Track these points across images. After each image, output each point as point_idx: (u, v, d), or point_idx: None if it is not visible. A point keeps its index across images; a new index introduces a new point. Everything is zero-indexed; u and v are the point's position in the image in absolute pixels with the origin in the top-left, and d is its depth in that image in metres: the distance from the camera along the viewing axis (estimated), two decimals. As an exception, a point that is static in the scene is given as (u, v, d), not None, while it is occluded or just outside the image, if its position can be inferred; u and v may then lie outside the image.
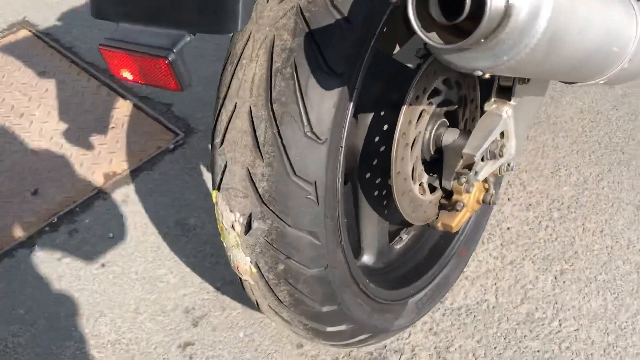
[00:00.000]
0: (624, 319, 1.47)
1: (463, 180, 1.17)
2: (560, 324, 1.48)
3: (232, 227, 1.01)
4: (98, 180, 1.93)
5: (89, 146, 2.05)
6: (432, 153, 1.24)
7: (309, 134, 0.92)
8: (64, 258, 1.71)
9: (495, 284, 1.57)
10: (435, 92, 1.20)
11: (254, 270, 1.03)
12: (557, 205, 1.75)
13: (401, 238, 1.45)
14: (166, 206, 1.83)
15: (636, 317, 1.47)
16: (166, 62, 0.82)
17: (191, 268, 1.66)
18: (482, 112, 1.21)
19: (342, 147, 0.97)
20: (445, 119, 1.24)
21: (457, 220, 1.30)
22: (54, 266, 1.68)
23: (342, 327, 1.14)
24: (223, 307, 1.56)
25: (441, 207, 1.31)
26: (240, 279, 1.10)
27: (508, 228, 1.70)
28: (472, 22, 0.64)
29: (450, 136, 1.22)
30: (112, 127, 2.12)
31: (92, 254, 1.71)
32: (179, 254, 1.70)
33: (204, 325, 1.53)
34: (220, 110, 0.98)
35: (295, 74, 0.90)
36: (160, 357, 1.47)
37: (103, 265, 1.68)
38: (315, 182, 0.95)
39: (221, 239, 1.07)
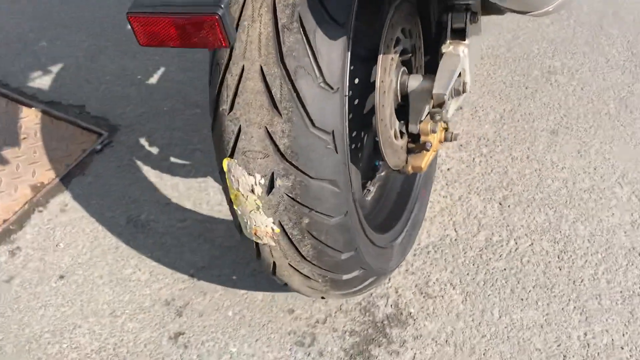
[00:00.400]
0: (566, 227, 1.66)
1: (437, 118, 1.26)
2: (516, 243, 1.63)
3: (252, 190, 1.02)
4: (25, 194, 1.80)
5: (3, 162, 1.90)
6: (400, 100, 1.32)
7: (322, 84, 0.95)
8: (13, 279, 1.59)
9: (451, 219, 1.70)
10: (397, 42, 1.27)
11: (277, 229, 1.05)
12: (484, 142, 1.91)
13: (369, 190, 1.52)
14: (111, 207, 1.75)
15: (575, 224, 1.67)
16: (217, 17, 0.80)
17: (158, 261, 1.62)
18: (439, 55, 1.31)
19: (346, 95, 1.01)
20: (404, 67, 1.32)
21: (426, 161, 1.40)
22: (5, 289, 1.56)
23: (356, 273, 1.19)
24: (203, 292, 1.55)
25: (409, 151, 1.40)
26: (256, 244, 1.11)
27: (448, 169, 1.84)
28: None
29: (414, 82, 1.30)
30: (24, 138, 1.98)
31: (45, 269, 1.61)
32: (140, 250, 1.64)
33: (189, 313, 1.50)
34: (223, 76, 0.98)
35: (302, 28, 0.93)
36: (153, 353, 1.43)
37: (62, 277, 1.59)
38: (332, 132, 0.98)
39: (235, 207, 1.07)
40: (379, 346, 1.43)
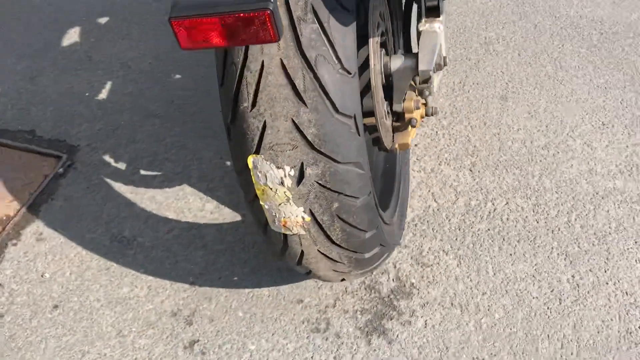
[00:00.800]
0: (534, 183, 1.78)
1: (427, 93, 1.32)
2: (493, 204, 1.73)
3: (281, 183, 1.03)
4: (-8, 229, 1.71)
5: (-43, 199, 1.79)
6: (383, 81, 1.37)
7: (341, 71, 0.98)
8: (4, 317, 1.51)
9: (429, 191, 1.77)
10: (377, 25, 1.32)
11: (307, 218, 1.07)
12: (442, 115, 2.01)
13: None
14: (90, 228, 1.70)
15: (541, 179, 1.79)
16: (269, 12, 0.81)
17: (153, 275, 1.59)
18: (417, 34, 1.37)
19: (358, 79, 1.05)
20: (383, 49, 1.38)
21: (411, 137, 1.46)
22: (-4, 329, 1.49)
23: (376, 250, 1.23)
24: (208, 297, 1.54)
25: (394, 129, 1.45)
26: (284, 236, 1.13)
27: (415, 145, 1.91)
28: None
29: (397, 62, 1.35)
30: (-24, 172, 1.87)
31: (36, 301, 1.54)
32: (132, 267, 1.61)
33: (198, 321, 1.49)
34: (241, 74, 0.99)
35: (316, 18, 0.95)
36: (171, 365, 1.42)
37: (56, 306, 1.53)
38: (354, 115, 1.02)
39: (261, 202, 1.08)
40: (391, 319, 1.48)
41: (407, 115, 1.41)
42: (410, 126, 1.42)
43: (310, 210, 1.06)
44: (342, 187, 1.05)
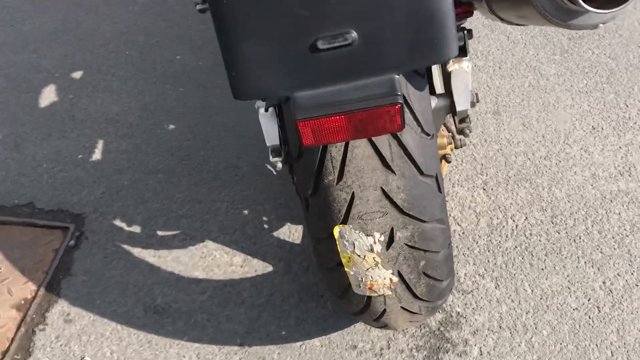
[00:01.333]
0: (545, 194, 1.85)
1: (467, 132, 1.35)
2: (514, 221, 1.79)
3: (370, 249, 1.04)
4: (12, 316, 1.62)
5: (-35, 288, 1.68)
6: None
7: (421, 134, 1.00)
8: (49, 411, 1.44)
9: (449, 215, 1.81)
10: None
11: (395, 279, 1.08)
12: (442, 136, 2.05)
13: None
14: (120, 301, 1.64)
15: (551, 189, 1.86)
16: (399, 106, 0.80)
17: (198, 342, 1.55)
18: (446, 74, 1.39)
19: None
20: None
21: (444, 171, 1.49)
22: None
23: (447, 295, 1.25)
24: (261, 357, 1.52)
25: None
26: (367, 298, 1.13)
27: (424, 170, 1.95)
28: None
29: (432, 102, 1.37)
30: (-21, 255, 1.77)
31: (81, 388, 1.47)
32: (174, 336, 1.56)
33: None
34: (324, 149, 0.98)
35: None
36: None
37: (105, 391, 1.47)
38: (436, 175, 1.03)
39: (347, 269, 1.08)
40: (447, 352, 1.51)
41: (440, 152, 1.44)
42: (445, 161, 1.45)
43: (399, 271, 1.07)
44: (429, 245, 1.06)
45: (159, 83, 2.28)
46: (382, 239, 1.03)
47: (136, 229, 1.80)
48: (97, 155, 2.02)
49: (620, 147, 1.96)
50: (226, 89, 2.24)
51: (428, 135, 1.01)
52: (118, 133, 2.09)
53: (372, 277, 1.08)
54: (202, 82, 2.28)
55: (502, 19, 1.28)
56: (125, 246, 1.76)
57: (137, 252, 1.75)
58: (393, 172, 0.98)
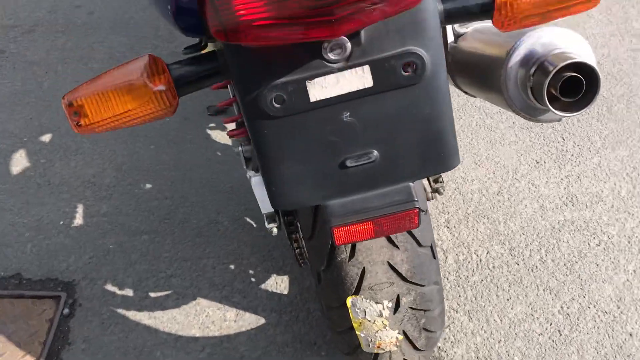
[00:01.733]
0: (502, 228, 2.05)
1: (441, 191, 1.52)
2: (477, 255, 1.98)
3: (380, 314, 1.18)
4: (16, 390, 1.66)
5: (-37, 367, 1.71)
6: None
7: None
8: None
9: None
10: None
11: (400, 337, 1.23)
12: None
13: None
14: (123, 365, 1.71)
15: (507, 223, 2.07)
16: (417, 210, 0.94)
17: (204, 398, 1.65)
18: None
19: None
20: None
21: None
22: None
23: (439, 342, 1.41)
24: (265, 406, 1.63)
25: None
26: (375, 354, 1.27)
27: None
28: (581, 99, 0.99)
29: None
30: (-28, 332, 1.79)
31: None
32: (181, 395, 1.65)
33: None
34: None
35: None
36: None
37: None
38: (431, 245, 1.19)
39: (357, 332, 1.22)
40: (433, 385, 1.67)
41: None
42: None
43: (404, 330, 1.22)
44: (428, 305, 1.22)
45: (129, 142, 2.35)
46: (389, 305, 1.18)
47: (129, 292, 1.88)
48: (78, 220, 2.08)
49: (562, 179, 2.20)
50: (197, 144, 2.34)
51: (423, 211, 1.17)
52: (96, 196, 2.15)
53: (380, 338, 1.22)
54: (173, 138, 2.37)
55: (465, 92, 1.46)
56: (120, 310, 1.83)
57: (132, 315, 1.82)
58: (397, 247, 1.13)
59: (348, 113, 0.88)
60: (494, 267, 1.94)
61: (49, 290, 1.88)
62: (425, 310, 1.22)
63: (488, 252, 1.99)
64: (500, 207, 2.11)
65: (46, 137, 2.38)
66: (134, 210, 2.10)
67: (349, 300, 1.18)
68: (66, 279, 1.91)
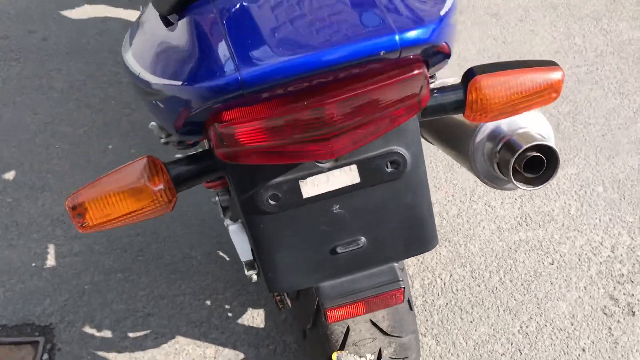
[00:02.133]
0: (463, 251, 2.18)
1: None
2: (441, 279, 2.10)
3: (363, 367, 1.27)
4: None
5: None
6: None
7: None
8: None
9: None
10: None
11: (381, 383, 1.32)
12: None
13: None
14: (107, 409, 1.75)
15: (467, 246, 2.19)
16: (403, 289, 1.02)
17: None
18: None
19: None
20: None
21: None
22: None
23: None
24: None
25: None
26: (358, 399, 1.36)
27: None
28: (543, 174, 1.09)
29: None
30: (-49, 384, 1.80)
31: None
32: None
33: None
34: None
35: None
36: None
37: None
38: (408, 299, 1.28)
39: (343, 383, 1.31)
40: (407, 410, 1.78)
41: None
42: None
43: (384, 378, 1.32)
44: (407, 353, 1.32)
45: (96, 177, 2.35)
46: (372, 357, 1.27)
47: (107, 333, 1.91)
48: (51, 261, 2.09)
49: (515, 199, 2.34)
50: (164, 177, 2.37)
51: (402, 269, 1.26)
52: (67, 235, 2.16)
53: (364, 385, 1.32)
54: (139, 171, 2.39)
55: (430, 143, 1.55)
56: (100, 352, 1.87)
57: (113, 357, 1.86)
58: (379, 307, 1.23)
59: (338, 205, 0.96)
60: (457, 289, 2.06)
61: (26, 335, 1.90)
62: (404, 358, 1.32)
63: (451, 275, 2.10)
64: (460, 229, 2.24)
65: (10, 175, 2.36)
66: (106, 249, 2.13)
67: (334, 356, 1.27)
68: (43, 323, 1.93)
